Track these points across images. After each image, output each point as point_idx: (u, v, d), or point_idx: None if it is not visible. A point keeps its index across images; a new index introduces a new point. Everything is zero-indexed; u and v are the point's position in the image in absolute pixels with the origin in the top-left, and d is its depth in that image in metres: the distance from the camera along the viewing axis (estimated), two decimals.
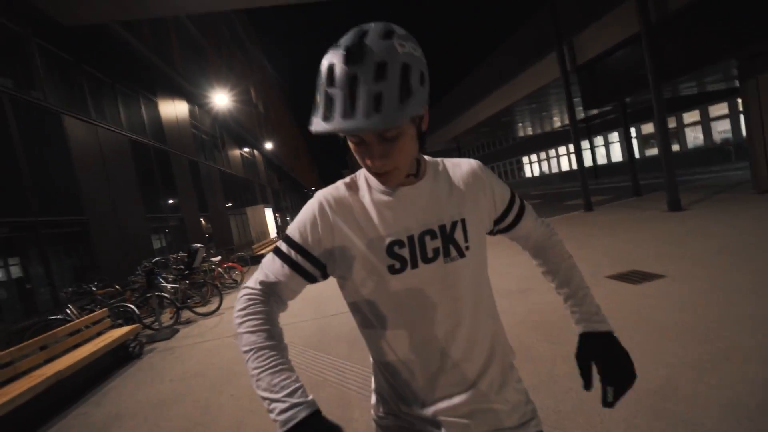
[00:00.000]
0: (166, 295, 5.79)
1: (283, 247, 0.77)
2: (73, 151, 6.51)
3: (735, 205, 7.01)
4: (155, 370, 4.08)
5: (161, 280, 6.04)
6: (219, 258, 9.02)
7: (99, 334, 4.46)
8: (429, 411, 0.76)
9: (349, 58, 0.60)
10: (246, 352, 0.68)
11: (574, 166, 16.35)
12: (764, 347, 2.33)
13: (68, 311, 5.03)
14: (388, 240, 0.74)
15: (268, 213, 18.84)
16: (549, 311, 3.49)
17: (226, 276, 8.53)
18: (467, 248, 0.77)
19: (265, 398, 0.64)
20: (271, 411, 0.63)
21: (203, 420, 2.78)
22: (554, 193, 19.53)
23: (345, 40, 0.63)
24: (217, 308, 6.30)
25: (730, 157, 15.20)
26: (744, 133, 8.34)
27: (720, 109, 15.65)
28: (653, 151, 18.49)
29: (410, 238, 0.74)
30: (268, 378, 0.65)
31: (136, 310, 5.21)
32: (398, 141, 0.66)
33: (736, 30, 6.93)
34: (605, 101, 11.06)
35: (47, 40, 6.50)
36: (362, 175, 0.80)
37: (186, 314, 6.32)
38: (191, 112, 13.19)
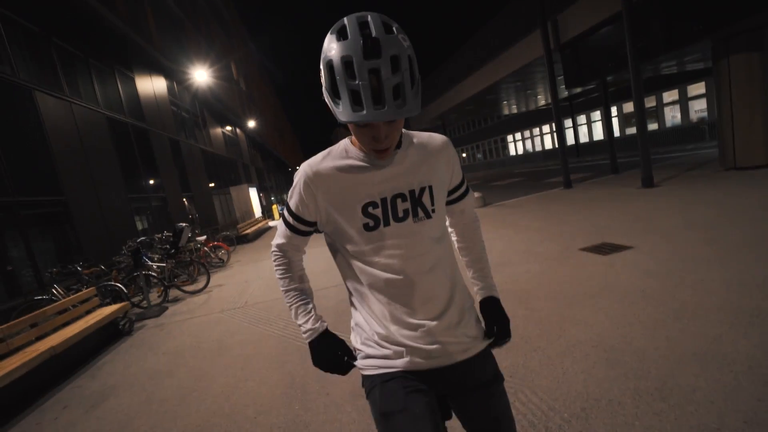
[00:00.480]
0: (153, 273, 5.84)
1: (285, 214, 0.99)
2: (47, 130, 6.30)
3: (702, 182, 7.38)
4: (147, 345, 4.19)
5: (147, 259, 6.06)
6: (205, 237, 9.03)
7: (88, 312, 4.53)
8: (396, 338, 0.90)
9: (367, 53, 0.68)
10: (282, 292, 1.04)
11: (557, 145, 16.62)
12: (708, 307, 2.59)
13: (54, 291, 5.05)
14: (364, 201, 0.87)
15: (253, 193, 18.66)
16: (524, 281, 3.72)
17: (212, 255, 8.57)
18: (433, 211, 0.91)
19: (297, 323, 1.01)
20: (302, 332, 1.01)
21: (198, 386, 2.93)
22: (537, 171, 19.87)
23: (352, 32, 0.70)
24: (205, 286, 6.38)
25: (705, 136, 15.71)
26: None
27: (698, 88, 16.01)
28: (633, 130, 18.91)
29: (383, 200, 0.88)
30: (294, 311, 1.02)
31: (123, 288, 5.26)
32: (397, 122, 0.79)
33: (710, 13, 7.12)
34: (587, 80, 11.21)
35: (11, 9, 6.14)
36: (342, 145, 0.93)
37: (174, 293, 6.40)
38: (170, 89, 12.76)
